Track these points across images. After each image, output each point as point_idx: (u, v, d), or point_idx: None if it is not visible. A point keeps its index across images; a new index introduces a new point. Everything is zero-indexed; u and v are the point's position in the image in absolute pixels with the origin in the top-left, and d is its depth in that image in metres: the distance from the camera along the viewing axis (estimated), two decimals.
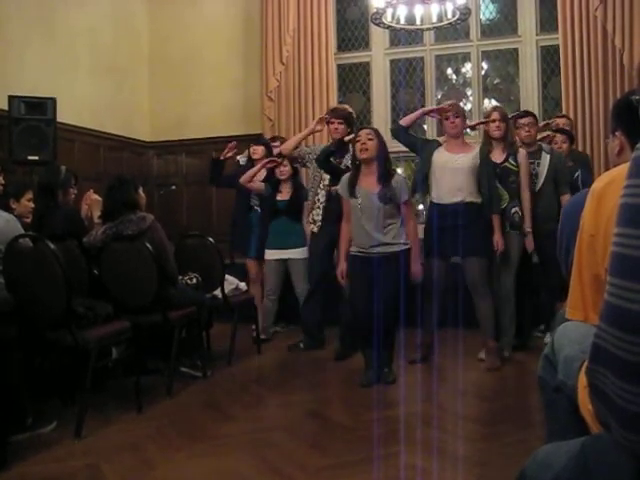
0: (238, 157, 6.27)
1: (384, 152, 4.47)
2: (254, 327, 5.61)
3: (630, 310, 0.99)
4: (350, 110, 5.68)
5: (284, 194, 5.78)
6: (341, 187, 4.57)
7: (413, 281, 4.46)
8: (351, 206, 4.47)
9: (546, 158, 5.15)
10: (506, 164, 4.96)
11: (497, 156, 5.00)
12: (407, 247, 4.43)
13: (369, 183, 4.41)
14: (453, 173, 4.76)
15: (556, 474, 1.25)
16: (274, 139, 6.25)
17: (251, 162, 6.10)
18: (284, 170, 5.75)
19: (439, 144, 4.96)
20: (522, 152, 5.02)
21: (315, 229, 5.45)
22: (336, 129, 5.37)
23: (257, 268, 6.01)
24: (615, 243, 1.06)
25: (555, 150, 5.34)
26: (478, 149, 4.90)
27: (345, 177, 4.57)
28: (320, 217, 5.41)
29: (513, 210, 4.95)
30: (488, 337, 4.83)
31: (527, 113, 5.46)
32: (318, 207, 5.44)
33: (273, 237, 5.76)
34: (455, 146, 4.87)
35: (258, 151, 6.06)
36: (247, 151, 6.19)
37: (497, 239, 4.77)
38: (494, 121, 5.01)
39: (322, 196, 5.41)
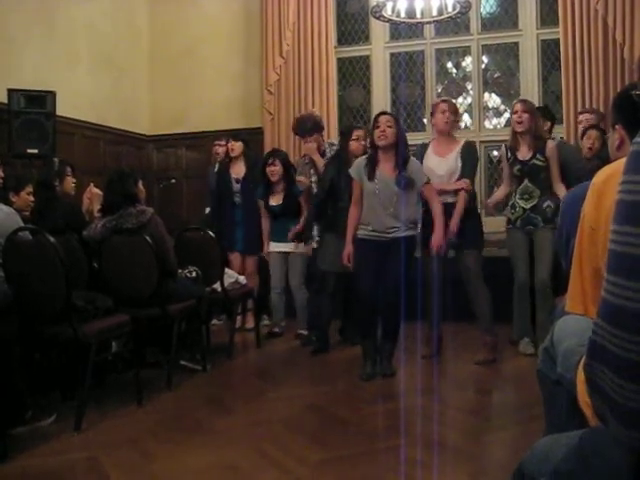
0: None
1: (403, 139, 4.50)
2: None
3: (626, 308, 0.99)
4: (314, 115, 5.79)
5: (277, 197, 5.78)
6: (355, 170, 4.56)
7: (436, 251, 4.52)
8: (366, 190, 4.46)
9: None
10: (534, 161, 4.90)
11: (523, 153, 4.95)
12: (412, 233, 4.46)
13: (386, 169, 4.43)
14: (440, 179, 4.76)
15: (555, 466, 1.25)
16: (273, 152, 6.16)
17: (228, 159, 6.16)
18: (274, 170, 5.74)
19: (426, 145, 4.95)
20: (550, 144, 4.97)
21: (315, 245, 5.45)
22: (309, 142, 5.45)
23: (241, 262, 6.05)
24: (612, 240, 1.05)
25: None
26: (462, 144, 4.88)
27: (361, 160, 4.58)
28: (317, 232, 5.44)
29: (545, 204, 4.88)
30: (485, 331, 4.84)
31: (594, 126, 5.29)
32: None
33: (274, 233, 5.84)
34: (443, 145, 4.86)
35: (235, 147, 6.09)
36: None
37: (452, 224, 4.68)
38: (516, 112, 4.96)
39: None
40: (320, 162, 5.38)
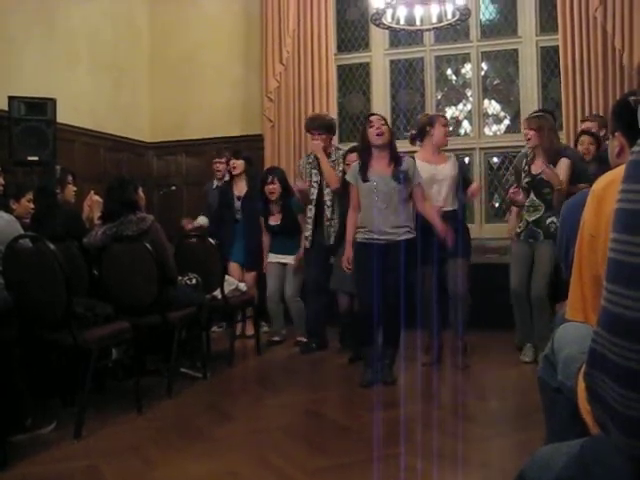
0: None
1: (394, 137, 4.64)
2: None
3: (625, 316, 0.99)
4: (329, 117, 5.82)
5: (275, 217, 5.83)
6: (350, 174, 4.61)
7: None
8: (363, 191, 4.49)
9: None
10: (542, 175, 4.88)
11: (536, 167, 4.96)
12: (411, 237, 4.46)
13: (381, 167, 4.47)
14: (439, 184, 4.83)
15: (555, 474, 1.24)
16: (271, 170, 6.20)
17: (230, 176, 6.21)
18: (273, 189, 5.75)
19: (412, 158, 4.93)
20: (564, 161, 4.89)
21: (307, 244, 5.50)
22: (316, 139, 5.43)
23: (239, 273, 6.07)
24: (611, 249, 1.05)
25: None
26: (453, 158, 5.04)
27: (355, 164, 4.63)
28: (310, 233, 5.48)
29: (549, 220, 4.86)
30: (460, 337, 4.90)
31: (589, 133, 5.31)
32: (307, 223, 5.51)
33: (273, 247, 5.93)
34: (437, 156, 4.94)
35: (237, 165, 6.12)
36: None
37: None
38: (524, 129, 5.03)
39: (311, 211, 5.48)
40: (324, 161, 5.37)
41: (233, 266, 6.10)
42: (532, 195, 4.95)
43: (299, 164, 5.86)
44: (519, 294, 4.96)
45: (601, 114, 6.02)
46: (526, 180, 4.99)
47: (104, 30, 7.16)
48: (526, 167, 5.04)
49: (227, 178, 6.40)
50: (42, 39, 6.27)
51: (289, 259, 5.81)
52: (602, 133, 5.48)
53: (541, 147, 4.92)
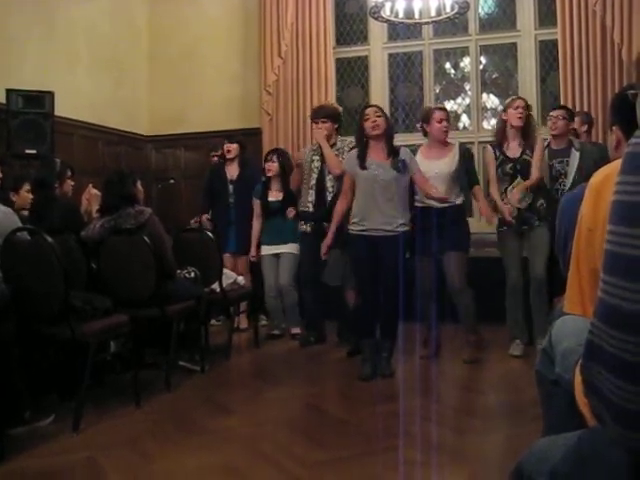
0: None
1: (391, 129, 4.62)
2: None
3: (622, 308, 0.99)
4: (334, 106, 5.78)
5: (275, 194, 5.80)
6: (348, 162, 4.62)
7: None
8: (361, 180, 4.48)
9: (575, 156, 4.99)
10: (524, 156, 4.87)
11: (513, 151, 4.92)
12: (406, 229, 4.47)
13: (379, 157, 4.47)
14: (433, 181, 4.70)
15: (552, 467, 1.25)
16: (273, 150, 6.22)
17: (224, 160, 6.18)
18: (271, 166, 5.76)
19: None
20: (540, 139, 4.92)
21: (308, 229, 5.46)
22: (320, 129, 5.40)
23: (232, 263, 6.05)
24: (608, 241, 1.05)
25: (586, 145, 5.18)
26: (456, 149, 4.92)
27: (352, 153, 4.64)
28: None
29: (539, 202, 4.86)
30: (468, 331, 4.87)
31: (561, 107, 5.37)
32: (308, 207, 5.47)
33: (267, 235, 5.86)
34: (434, 151, 4.89)
35: (232, 149, 6.10)
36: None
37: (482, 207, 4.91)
38: (517, 108, 4.91)
39: (311, 196, 5.44)
40: (326, 147, 5.32)
41: (226, 256, 6.09)
42: (519, 179, 4.88)
43: (304, 152, 5.80)
44: (518, 290, 4.94)
45: (592, 111, 6.06)
46: (509, 166, 4.92)
47: (103, 25, 7.15)
48: (499, 154, 4.97)
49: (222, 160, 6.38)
50: (42, 34, 6.26)
51: (283, 249, 5.75)
52: (584, 129, 5.50)
53: (524, 129, 4.88)
